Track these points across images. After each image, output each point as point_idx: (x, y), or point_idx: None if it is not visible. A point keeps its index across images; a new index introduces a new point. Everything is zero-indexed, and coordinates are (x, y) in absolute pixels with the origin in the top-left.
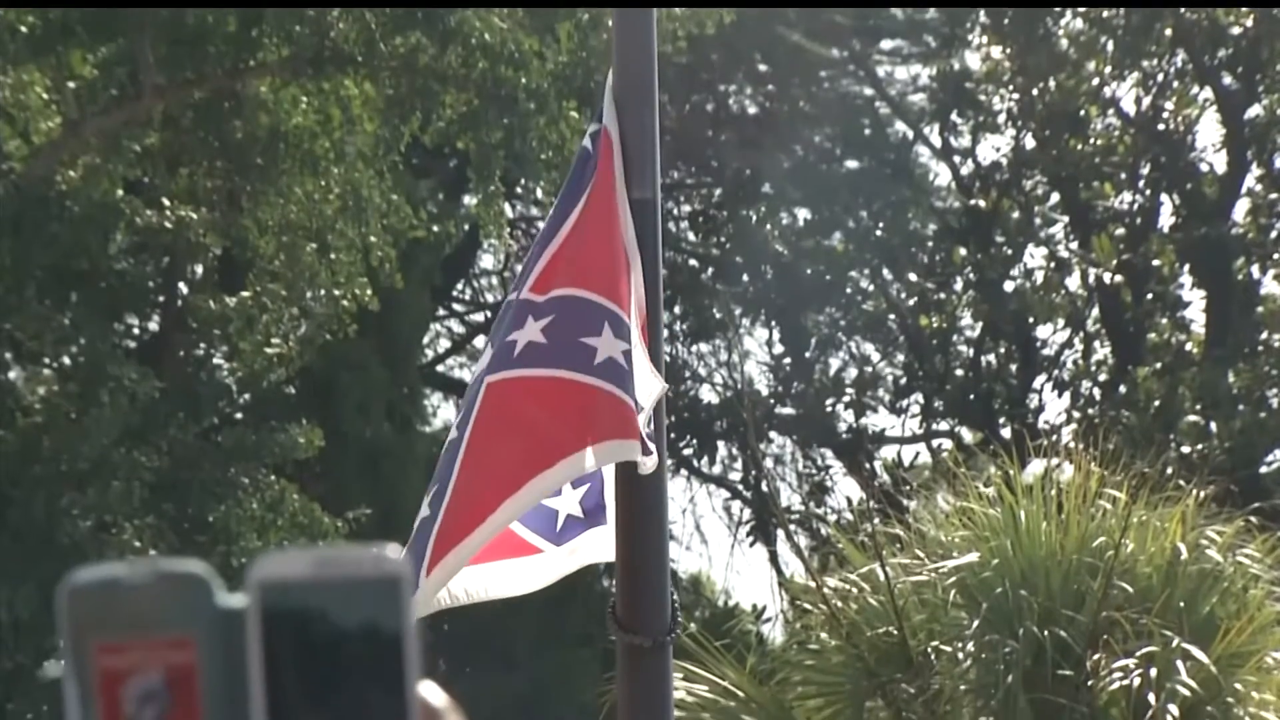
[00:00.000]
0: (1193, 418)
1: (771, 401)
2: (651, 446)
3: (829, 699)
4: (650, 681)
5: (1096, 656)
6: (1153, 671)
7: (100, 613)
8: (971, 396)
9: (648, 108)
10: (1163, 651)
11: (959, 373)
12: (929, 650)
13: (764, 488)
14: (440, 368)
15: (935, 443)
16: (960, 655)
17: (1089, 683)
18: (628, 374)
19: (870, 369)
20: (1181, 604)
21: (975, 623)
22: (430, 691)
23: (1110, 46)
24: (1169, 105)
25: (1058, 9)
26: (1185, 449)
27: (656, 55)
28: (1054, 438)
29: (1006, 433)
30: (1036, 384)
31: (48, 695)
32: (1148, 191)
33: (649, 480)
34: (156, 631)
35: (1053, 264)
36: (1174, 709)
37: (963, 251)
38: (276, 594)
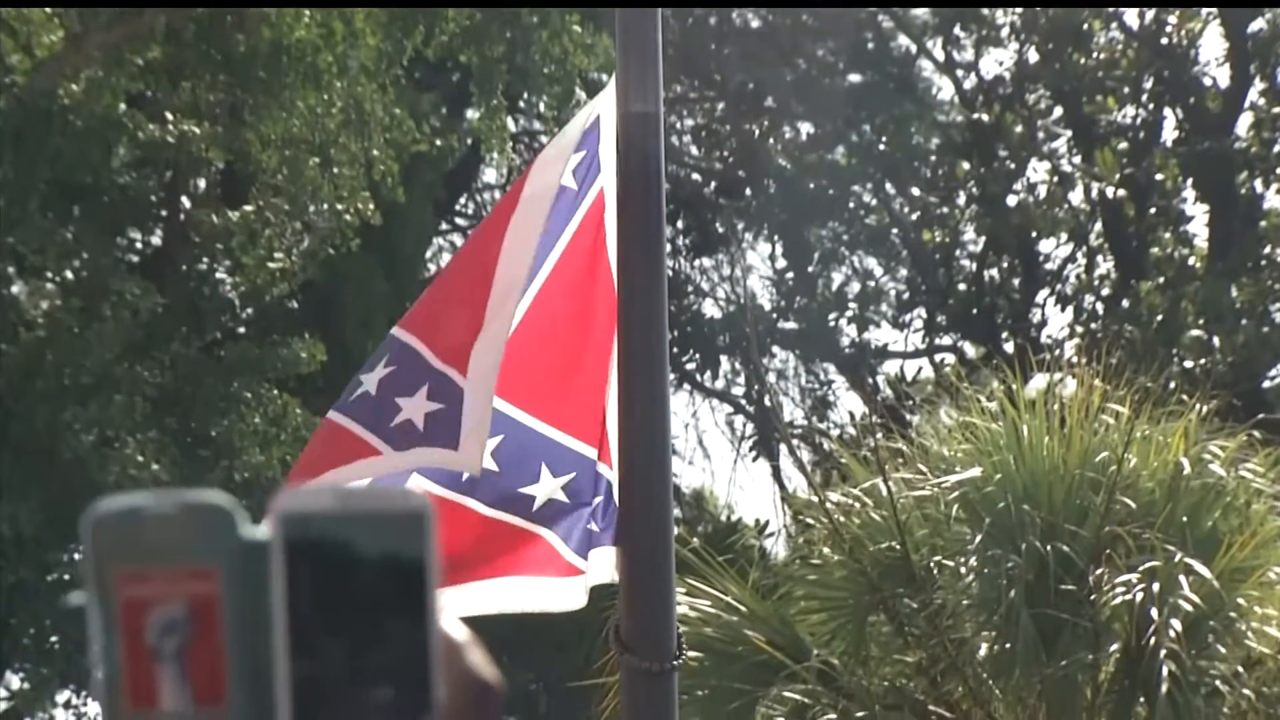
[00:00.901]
0: (1195, 332)
1: (774, 316)
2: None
3: (831, 613)
4: (656, 706)
5: (1099, 571)
6: (1155, 586)
7: (123, 543)
8: (974, 311)
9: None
10: (1165, 566)
11: (961, 287)
12: (931, 565)
13: (766, 402)
14: None
15: (938, 357)
16: (962, 570)
17: (1091, 597)
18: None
19: (873, 283)
20: (1184, 519)
21: (978, 537)
22: (452, 625)
23: None
24: (1172, 19)
25: None
26: (1188, 363)
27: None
28: (1057, 352)
29: (1009, 347)
30: (1039, 298)
31: (51, 610)
32: (1150, 106)
33: (653, 502)
34: (179, 562)
35: (1055, 178)
36: (1176, 624)
37: (965, 166)
38: (300, 526)
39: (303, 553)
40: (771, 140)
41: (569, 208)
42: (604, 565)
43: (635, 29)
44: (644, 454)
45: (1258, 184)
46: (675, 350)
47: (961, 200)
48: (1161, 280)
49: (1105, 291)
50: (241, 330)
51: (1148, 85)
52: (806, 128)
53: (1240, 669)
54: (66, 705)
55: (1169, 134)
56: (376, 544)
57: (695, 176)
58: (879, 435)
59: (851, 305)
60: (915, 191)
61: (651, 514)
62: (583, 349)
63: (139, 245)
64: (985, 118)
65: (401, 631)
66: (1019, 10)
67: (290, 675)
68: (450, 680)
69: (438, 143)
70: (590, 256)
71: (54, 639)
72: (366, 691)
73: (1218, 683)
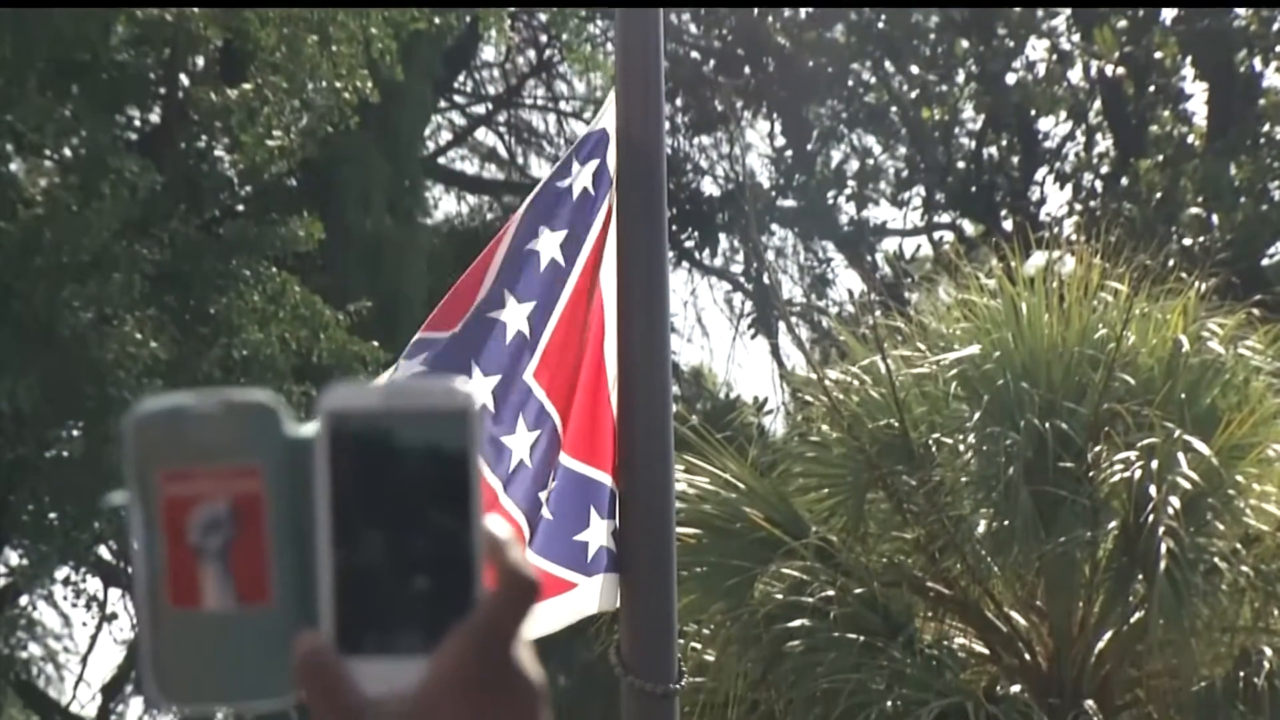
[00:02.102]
0: (1194, 210)
1: (773, 194)
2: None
3: (830, 491)
4: None
5: (1097, 449)
6: (1154, 463)
7: (166, 441)
8: (973, 189)
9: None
10: (1164, 443)
11: (960, 165)
12: (930, 442)
13: (765, 280)
14: (441, 160)
15: (936, 235)
16: (961, 447)
17: (1090, 474)
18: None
19: (872, 161)
20: (1183, 396)
21: (976, 415)
22: (495, 523)
23: None
24: None
25: None
26: (1187, 241)
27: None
28: (1056, 230)
29: (1008, 225)
30: (1038, 176)
31: (50, 487)
32: None
33: (654, 525)
34: (223, 461)
35: (1054, 56)
36: (1175, 501)
37: (964, 44)
38: (345, 424)
39: (347, 450)
40: (770, 18)
41: (586, 216)
42: (607, 592)
43: (636, 30)
44: (646, 478)
45: (1257, 62)
46: (674, 228)
47: (960, 78)
48: (1160, 158)
49: (1104, 169)
50: (240, 208)
51: None
52: (805, 5)
53: (1238, 546)
54: (66, 582)
55: (1168, 12)
56: (421, 440)
57: (694, 54)
58: (878, 313)
59: (850, 183)
60: (914, 69)
61: (653, 534)
62: (594, 366)
63: (137, 123)
64: None
65: (445, 527)
66: None
67: (334, 571)
68: (492, 576)
69: (436, 20)
70: (593, 272)
71: (53, 516)
72: (409, 585)
73: (1216, 559)
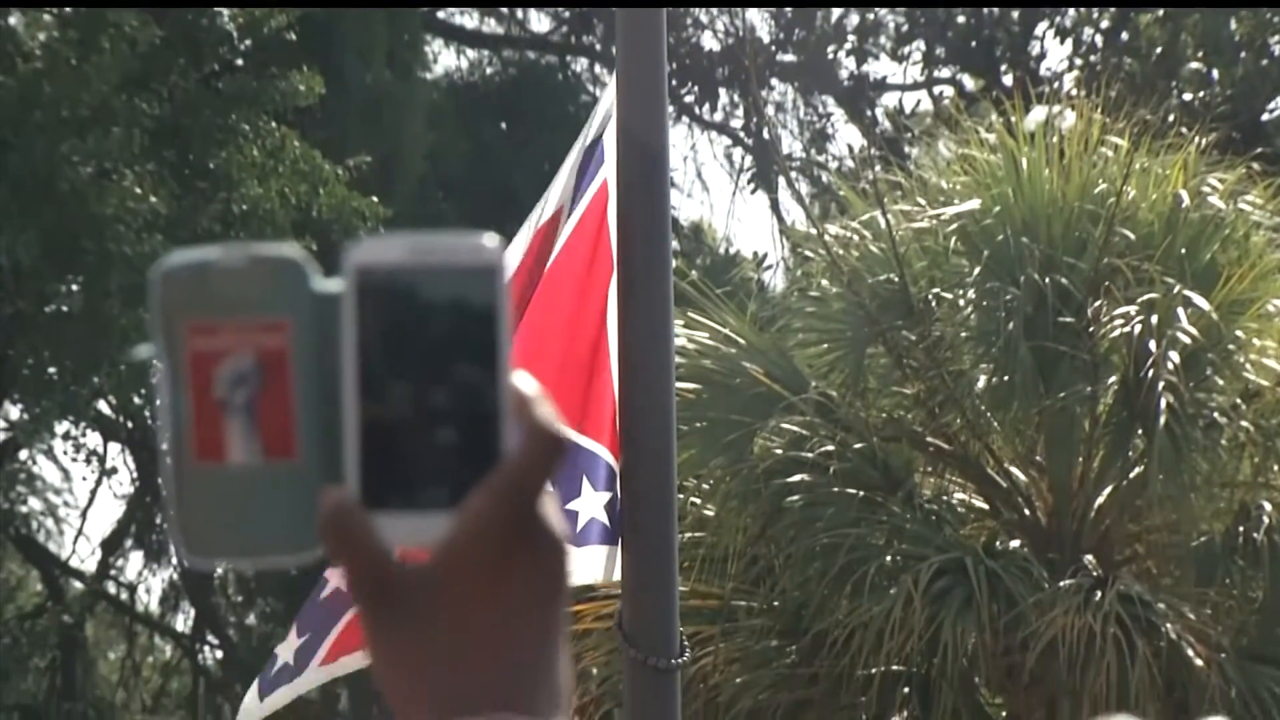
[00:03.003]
0: (1195, 65)
1: (773, 48)
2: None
3: (830, 346)
4: (660, 702)
5: (1097, 304)
6: (1153, 318)
7: (193, 295)
8: (973, 44)
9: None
10: (1163, 298)
11: (961, 20)
12: (930, 297)
13: (765, 135)
14: (441, 14)
15: (937, 90)
16: (961, 302)
17: (1090, 330)
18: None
19: (872, 16)
20: (1183, 251)
21: (976, 270)
22: (522, 379)
23: None
24: None
25: None
26: (1187, 96)
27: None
28: (1056, 85)
29: (1008, 80)
30: (1038, 31)
31: (50, 342)
32: None
33: (656, 498)
34: (249, 315)
35: None
36: (1174, 356)
37: None
38: (372, 278)
39: (374, 303)
40: None
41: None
42: (608, 563)
43: (638, 31)
44: (649, 452)
45: None
46: (674, 83)
47: None
48: (1161, 13)
49: (1104, 24)
50: (239, 63)
51: None
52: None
53: (1238, 401)
54: (65, 437)
55: None
56: (449, 295)
57: None
58: (877, 168)
59: (850, 37)
60: None
61: (655, 507)
62: (590, 343)
63: None
64: None
65: (471, 381)
66: None
67: (359, 425)
68: (519, 431)
69: None
70: (590, 253)
71: (52, 370)
72: (435, 440)
73: (1215, 415)
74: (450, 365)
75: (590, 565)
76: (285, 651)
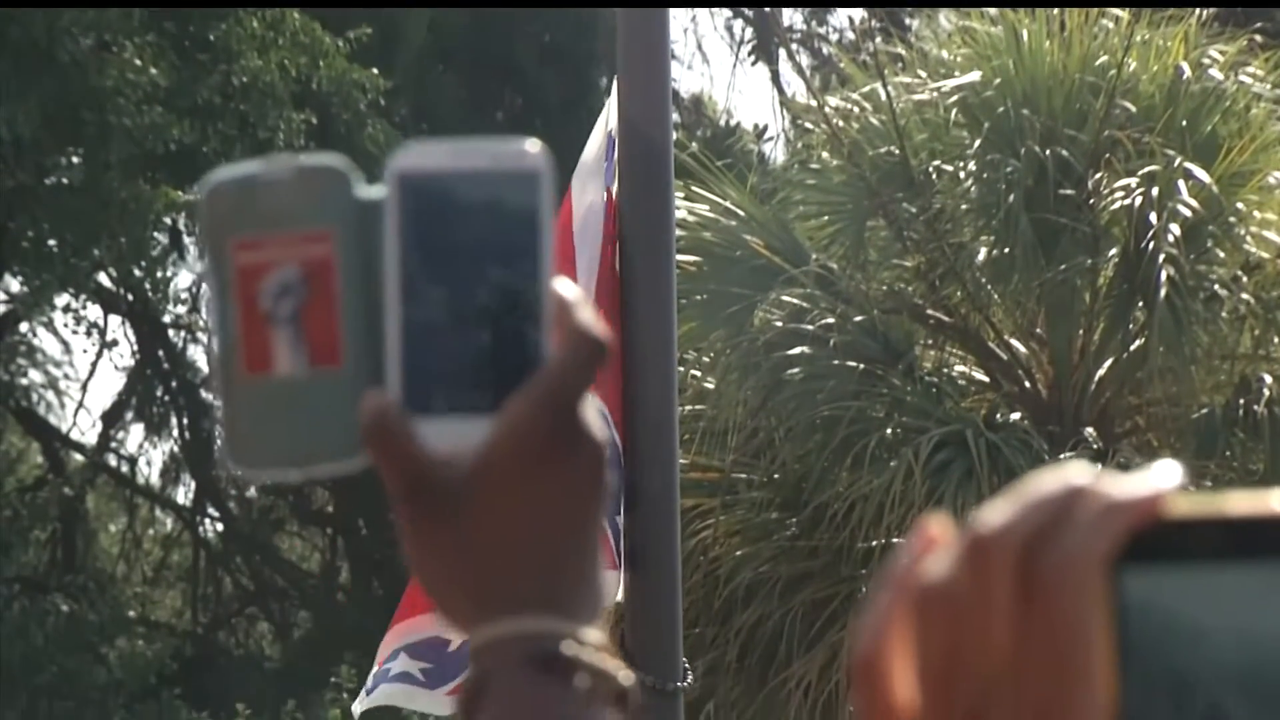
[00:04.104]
0: None
1: None
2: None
3: (830, 218)
4: None
5: (1098, 176)
6: (1154, 191)
7: (237, 210)
8: None
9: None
10: (1164, 171)
11: None
12: (930, 170)
13: (765, 6)
14: None
15: None
16: (962, 175)
17: (1090, 202)
18: None
19: None
20: (1183, 123)
21: (976, 142)
22: (563, 285)
23: None
24: None
25: None
26: None
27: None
28: None
29: None
30: None
31: (50, 215)
32: None
33: (660, 521)
34: (294, 226)
35: None
36: (1175, 228)
37: None
38: (415, 184)
39: (417, 210)
40: None
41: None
42: (611, 587)
43: (638, 32)
44: (652, 475)
45: None
46: None
47: None
48: None
49: None
50: None
51: None
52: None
53: (1239, 273)
54: (66, 309)
55: None
56: (491, 200)
57: None
58: (878, 39)
59: None
60: None
61: (659, 530)
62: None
63: None
64: None
65: (513, 287)
66: None
67: (401, 331)
68: (560, 335)
69: None
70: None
71: (52, 243)
72: (476, 345)
73: (1216, 287)
74: (492, 270)
75: None
76: (411, 664)
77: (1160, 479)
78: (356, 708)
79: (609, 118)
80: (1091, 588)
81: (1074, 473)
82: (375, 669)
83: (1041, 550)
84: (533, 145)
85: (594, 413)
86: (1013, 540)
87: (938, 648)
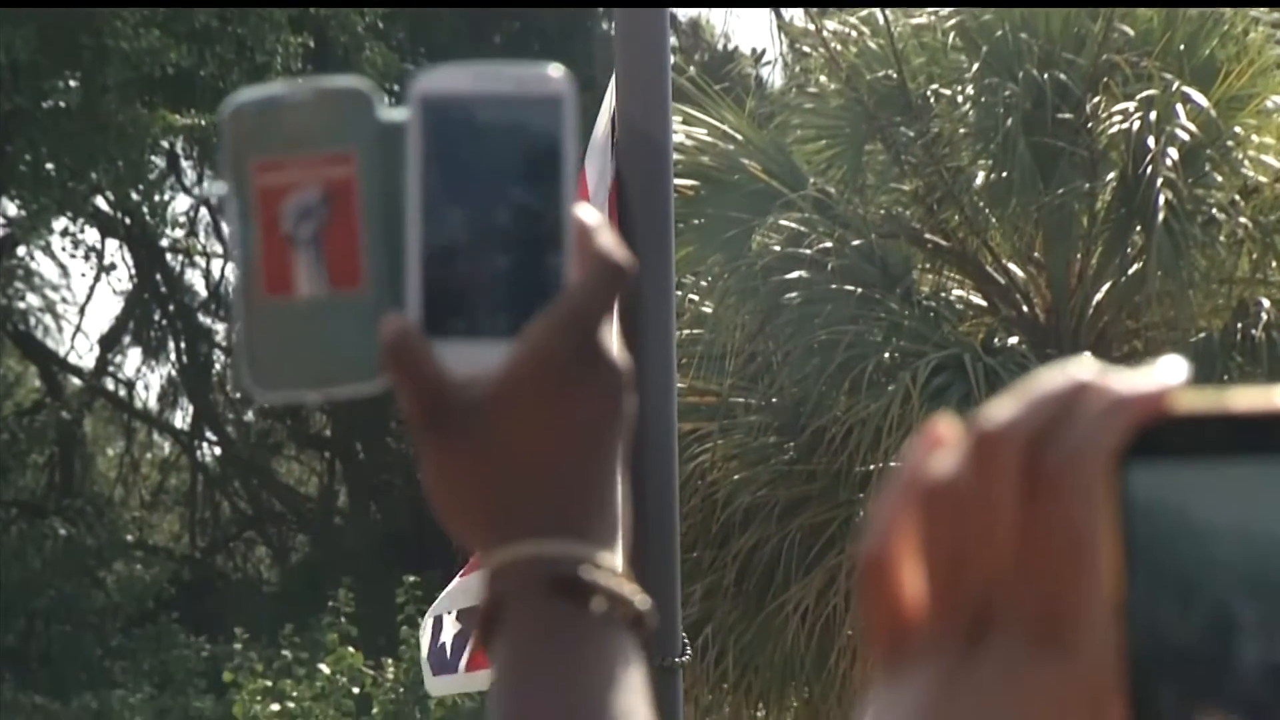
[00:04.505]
0: None
1: None
2: None
3: (828, 142)
4: (662, 703)
5: (1096, 100)
6: (1152, 115)
7: (259, 132)
8: None
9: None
10: (1162, 95)
11: None
12: (928, 94)
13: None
14: None
15: None
16: (960, 99)
17: (1088, 126)
18: None
19: None
20: (1181, 47)
21: (975, 66)
22: (585, 210)
23: None
24: None
25: None
26: None
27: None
28: None
29: None
30: None
31: (48, 138)
32: None
33: (658, 491)
34: (316, 148)
35: None
36: (1173, 152)
37: None
38: (437, 107)
39: (439, 132)
40: None
41: None
42: None
43: (638, 33)
44: (650, 452)
45: None
46: None
47: None
48: None
49: None
50: None
51: None
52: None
53: (1237, 197)
54: (64, 233)
55: None
56: (514, 124)
57: None
58: None
59: None
60: None
61: (656, 500)
62: None
63: None
64: None
65: (535, 210)
66: None
67: (422, 253)
68: (581, 260)
69: None
70: None
71: (50, 167)
72: (497, 268)
73: (1214, 211)
74: (513, 194)
75: None
76: (447, 634)
77: (1165, 374)
78: (432, 688)
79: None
80: (1097, 483)
81: (1079, 369)
82: (429, 639)
83: (1047, 446)
84: (556, 70)
85: (614, 337)
86: (1018, 436)
87: (944, 546)
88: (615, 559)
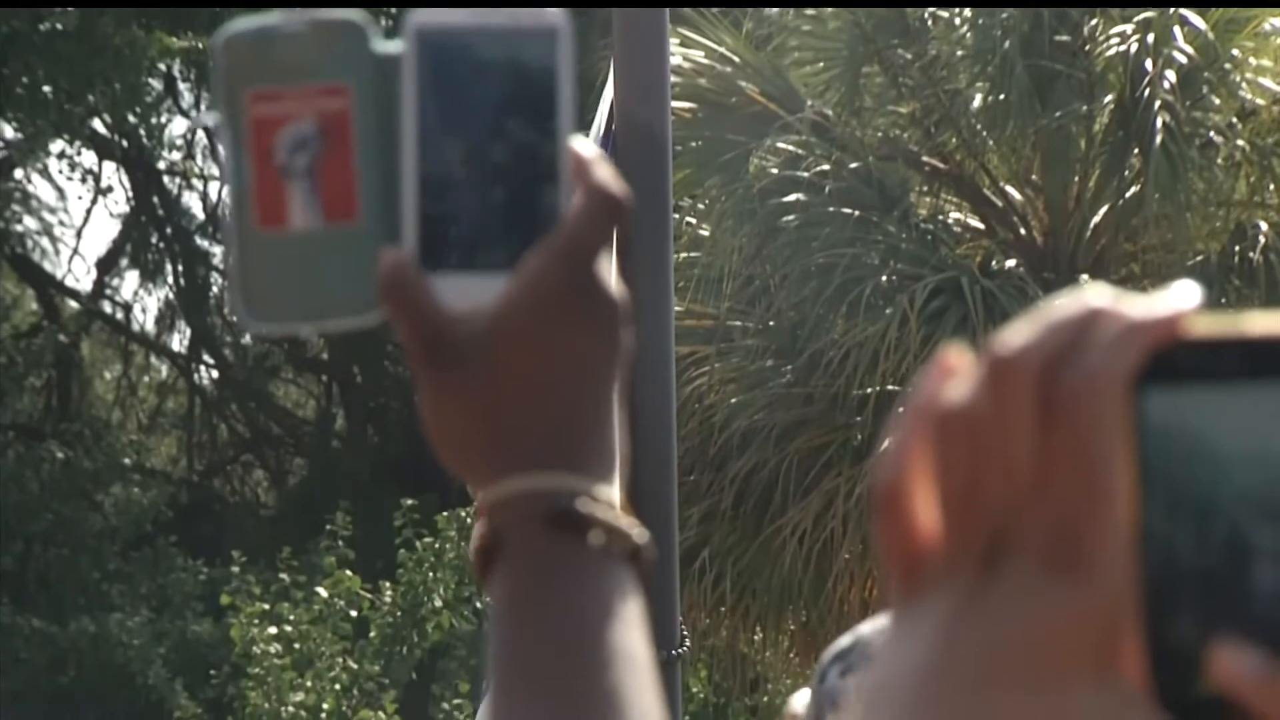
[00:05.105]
0: None
1: None
2: None
3: (826, 64)
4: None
5: (1094, 22)
6: (1150, 37)
7: (254, 63)
8: None
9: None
10: (1160, 17)
11: None
12: (926, 16)
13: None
14: None
15: None
16: (957, 21)
17: (1086, 48)
18: None
19: None
20: None
21: None
22: (581, 143)
23: None
24: None
25: None
26: None
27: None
28: None
29: None
30: None
31: (44, 60)
32: None
33: (655, 474)
34: (311, 79)
35: None
36: (1171, 75)
37: None
38: (432, 39)
39: (435, 65)
40: None
41: None
42: None
43: (638, 33)
44: (647, 444)
45: None
46: None
47: None
48: None
49: None
50: None
51: None
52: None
53: (1234, 120)
54: (60, 155)
55: None
56: (510, 57)
57: None
58: None
59: None
60: None
61: (653, 481)
62: None
63: None
64: None
65: (531, 143)
66: None
67: (418, 186)
68: (578, 193)
69: None
70: None
71: (47, 89)
72: (493, 201)
73: (1212, 134)
74: (509, 126)
75: None
76: None
77: (1180, 299)
78: None
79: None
80: (1112, 408)
81: (1093, 294)
82: None
83: (1062, 371)
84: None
85: (612, 270)
86: (1032, 361)
87: (959, 473)
88: (613, 492)
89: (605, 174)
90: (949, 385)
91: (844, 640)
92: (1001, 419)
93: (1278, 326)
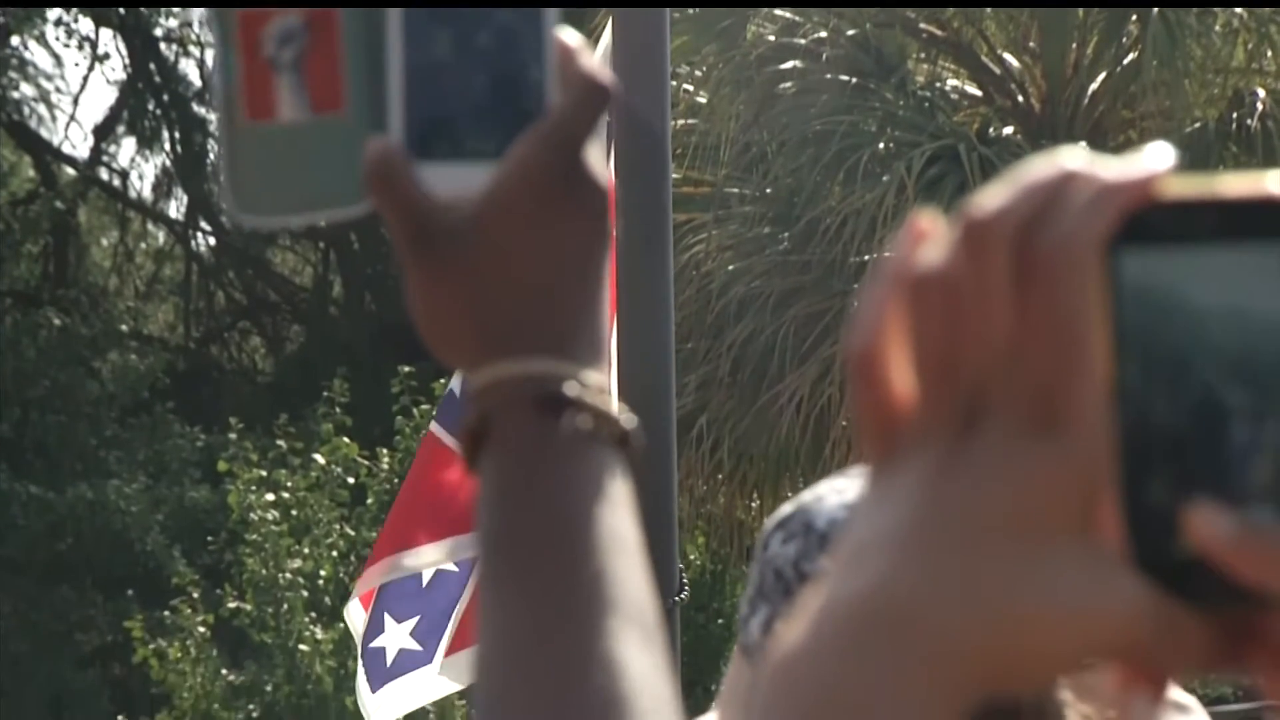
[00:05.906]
0: None
1: None
2: None
3: None
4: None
5: None
6: None
7: None
8: None
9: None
10: None
11: None
12: None
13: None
14: None
15: None
16: None
17: None
18: None
19: None
20: None
21: None
22: (566, 32)
23: None
24: None
25: None
26: None
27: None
28: None
29: None
30: None
31: None
32: None
33: (653, 426)
34: None
35: None
36: None
37: None
38: None
39: None
40: None
41: None
42: None
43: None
44: (645, 391)
45: None
46: None
47: None
48: None
49: None
50: None
51: None
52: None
53: None
54: (57, 23)
55: None
56: None
57: None
58: None
59: None
60: None
61: (653, 437)
62: None
63: None
64: None
65: (516, 29)
66: None
67: (404, 75)
68: (565, 81)
69: None
70: None
71: None
72: (480, 89)
73: None
74: (495, 15)
75: None
76: (391, 640)
77: (1154, 161)
78: (370, 713)
79: None
80: (1087, 269)
81: (1067, 157)
82: (362, 635)
83: (1036, 233)
84: None
85: (599, 159)
86: (1007, 224)
87: (935, 337)
88: (602, 378)
89: (590, 61)
90: (923, 249)
91: (786, 508)
92: (976, 282)
93: (1253, 187)
